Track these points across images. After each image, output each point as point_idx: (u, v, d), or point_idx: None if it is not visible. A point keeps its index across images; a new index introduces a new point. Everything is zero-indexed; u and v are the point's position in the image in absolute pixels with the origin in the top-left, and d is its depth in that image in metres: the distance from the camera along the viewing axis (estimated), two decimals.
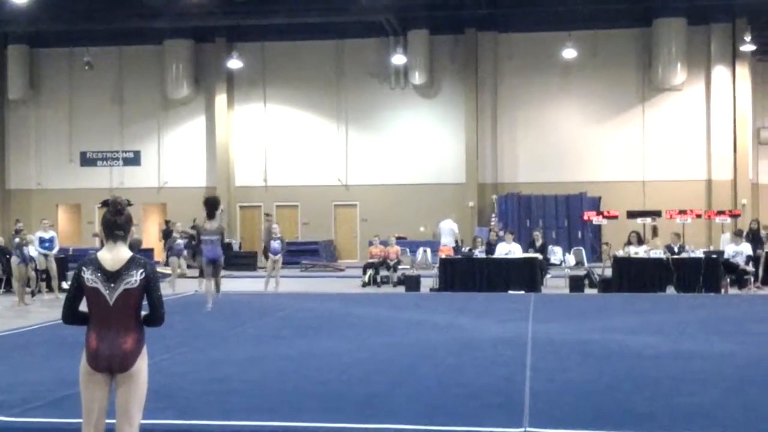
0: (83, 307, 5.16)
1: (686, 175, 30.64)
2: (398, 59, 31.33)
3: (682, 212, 23.18)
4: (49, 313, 15.33)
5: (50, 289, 19.31)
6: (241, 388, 8.33)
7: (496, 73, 31.89)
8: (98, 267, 5.06)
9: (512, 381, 8.49)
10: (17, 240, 18.27)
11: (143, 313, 5.18)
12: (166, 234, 26.17)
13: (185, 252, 22.28)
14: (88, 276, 5.05)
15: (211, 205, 15.80)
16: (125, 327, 5.06)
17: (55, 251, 19.52)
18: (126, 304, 5.05)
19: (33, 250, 18.74)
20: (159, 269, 23.70)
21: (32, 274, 18.78)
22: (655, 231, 21.74)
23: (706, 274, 18.93)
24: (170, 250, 21.87)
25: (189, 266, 23.54)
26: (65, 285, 19.86)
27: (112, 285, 5.03)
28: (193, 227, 20.25)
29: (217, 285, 15.99)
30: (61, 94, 34.10)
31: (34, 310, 16.93)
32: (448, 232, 25.83)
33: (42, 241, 19.17)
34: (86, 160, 34.15)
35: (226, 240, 28.54)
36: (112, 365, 5.05)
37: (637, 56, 31.23)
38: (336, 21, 30.75)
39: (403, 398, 7.78)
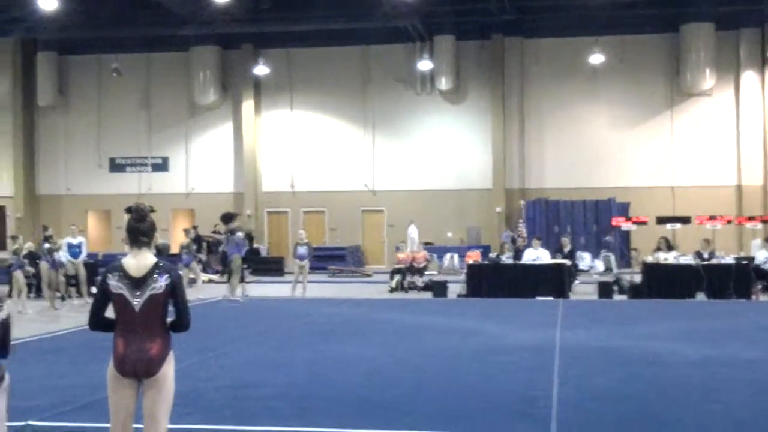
0: (110, 313, 5.19)
1: (716, 181, 30.35)
2: (424, 65, 31.31)
3: (712, 218, 22.93)
4: (78, 318, 15.42)
5: (80, 294, 19.48)
6: (267, 393, 8.35)
7: (523, 79, 31.78)
8: (124, 273, 5.09)
9: (539, 388, 8.44)
10: (47, 245, 18.46)
11: (169, 318, 5.21)
12: (197, 240, 26.16)
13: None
14: (114, 282, 5.08)
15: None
16: (151, 332, 5.08)
17: (83, 257, 19.69)
18: (152, 310, 5.07)
19: (63, 256, 18.92)
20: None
21: (62, 279, 18.95)
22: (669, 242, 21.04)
23: (737, 280, 18.73)
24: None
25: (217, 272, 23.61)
26: (94, 290, 20.04)
27: (138, 291, 5.06)
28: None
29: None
30: (89, 101, 34.40)
31: (64, 314, 17.08)
32: (412, 238, 26.29)
33: (70, 246, 19.35)
34: (115, 166, 34.42)
35: (255, 245, 28.82)
36: (139, 370, 5.07)
37: (665, 61, 31.00)
38: (361, 27, 30.78)
39: (428, 404, 7.76)
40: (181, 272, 16.31)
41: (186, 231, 22.31)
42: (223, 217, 19.44)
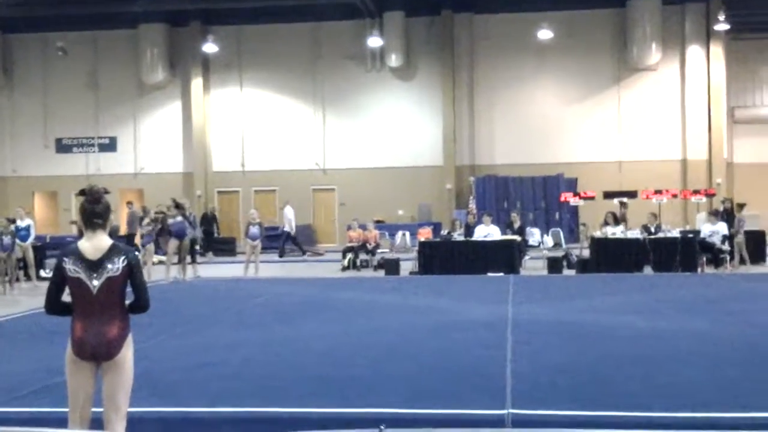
0: (66, 297, 5.17)
1: (662, 155, 30.86)
2: (374, 41, 31.27)
3: (658, 192, 23.35)
4: (28, 302, 15.26)
5: (28, 277, 19.21)
6: (224, 373, 8.35)
7: (473, 55, 31.92)
8: (79, 256, 5.07)
9: (494, 363, 8.55)
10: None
11: (128, 301, 5.20)
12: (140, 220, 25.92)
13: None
14: (70, 266, 5.06)
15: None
16: (110, 315, 5.08)
17: (31, 239, 19.41)
18: (109, 293, 5.06)
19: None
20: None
21: (12, 261, 18.64)
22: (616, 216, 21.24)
23: (683, 253, 19.13)
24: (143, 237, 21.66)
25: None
26: (43, 273, 19.78)
27: (95, 274, 5.04)
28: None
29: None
30: (35, 81, 33.79)
31: (13, 299, 16.85)
32: (289, 219, 26.81)
33: (18, 229, 19.03)
34: (62, 147, 33.91)
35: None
36: (98, 353, 5.07)
37: (612, 37, 31.36)
38: (311, 3, 30.64)
39: (385, 382, 7.83)
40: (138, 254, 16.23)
41: (145, 211, 22.04)
42: (177, 204, 19.46)
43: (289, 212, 27.82)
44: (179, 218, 19.09)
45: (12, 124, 34.04)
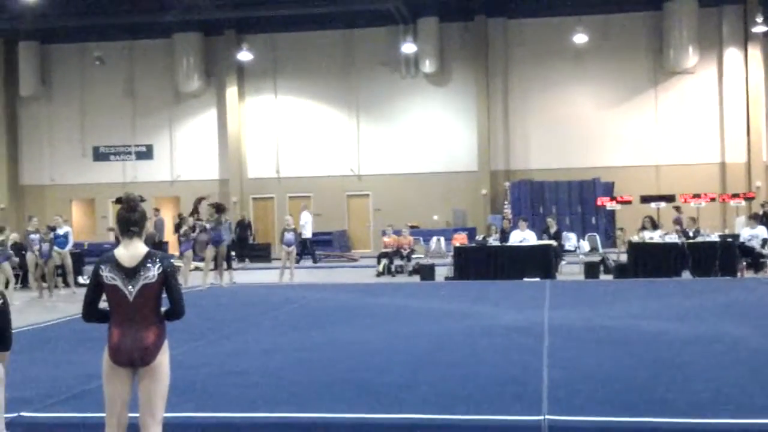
0: (103, 304, 5.21)
1: (700, 159, 30.49)
2: (408, 48, 31.25)
3: (696, 196, 23.08)
4: (66, 308, 15.42)
5: (66, 284, 19.44)
6: (259, 380, 8.37)
7: (507, 60, 31.79)
8: (116, 264, 5.12)
9: (529, 369, 8.49)
10: (37, 236, 18.40)
11: (163, 308, 5.23)
12: (177, 227, 26.15)
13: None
14: (107, 274, 5.10)
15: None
16: (146, 322, 5.11)
17: (69, 246, 19.65)
18: (146, 299, 5.10)
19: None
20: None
21: (50, 269, 18.88)
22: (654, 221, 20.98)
23: (722, 257, 18.87)
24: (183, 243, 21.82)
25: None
26: (81, 279, 19.99)
27: (131, 281, 5.08)
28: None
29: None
30: (72, 90, 34.20)
31: (52, 305, 17.04)
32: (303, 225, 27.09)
33: (56, 236, 19.27)
34: (99, 155, 34.26)
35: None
36: (134, 360, 5.10)
37: (648, 40, 31.06)
38: (345, 10, 30.69)
39: (420, 388, 7.79)
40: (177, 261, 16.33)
41: (182, 219, 22.22)
42: (218, 207, 19.58)
43: (305, 217, 27.93)
44: (215, 224, 19.21)
45: (50, 133, 34.46)
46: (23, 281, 19.84)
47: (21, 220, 31.15)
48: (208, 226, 19.20)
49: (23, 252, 19.18)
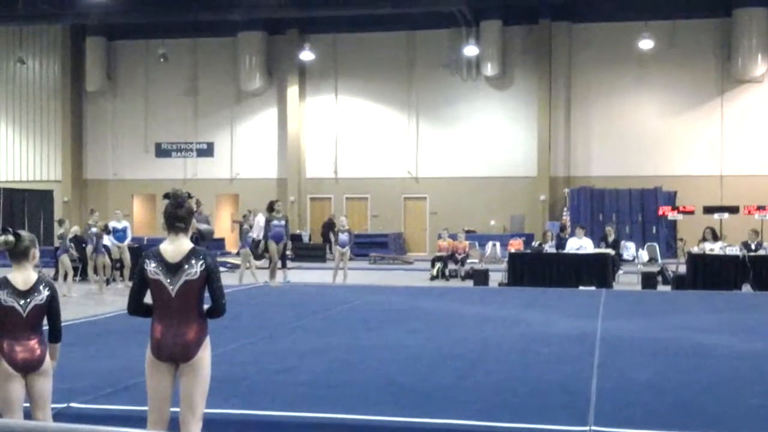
0: (148, 298, 5.24)
1: (765, 170, 29.78)
2: (470, 50, 31.12)
3: (761, 208, 22.54)
4: (122, 302, 15.62)
5: (124, 278, 19.73)
6: (306, 379, 8.37)
7: (570, 64, 31.45)
8: (160, 259, 5.14)
9: (578, 379, 8.35)
10: (94, 230, 18.71)
11: (206, 306, 5.24)
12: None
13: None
14: (151, 268, 5.14)
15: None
16: (187, 318, 5.12)
17: (128, 241, 19.93)
18: (187, 296, 5.10)
19: (107, 240, 19.18)
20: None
21: (107, 262, 19.19)
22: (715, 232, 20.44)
23: None
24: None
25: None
26: None
27: (174, 277, 5.10)
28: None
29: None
30: (137, 86, 34.78)
31: (109, 298, 17.31)
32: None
33: (115, 230, 19.57)
34: (161, 151, 34.78)
35: (297, 231, 29.15)
36: (175, 355, 5.12)
37: (716, 47, 30.46)
38: (407, 12, 30.68)
39: (467, 393, 7.72)
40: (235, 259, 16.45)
41: (245, 217, 22.38)
42: (270, 205, 19.79)
43: (258, 219, 27.44)
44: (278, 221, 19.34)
45: (114, 128, 35.10)
46: (82, 274, 20.17)
47: (83, 214, 31.77)
48: (273, 222, 19.29)
49: (83, 245, 19.50)
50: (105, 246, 18.97)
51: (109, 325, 12.89)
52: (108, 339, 11.41)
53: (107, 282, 19.39)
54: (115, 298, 16.99)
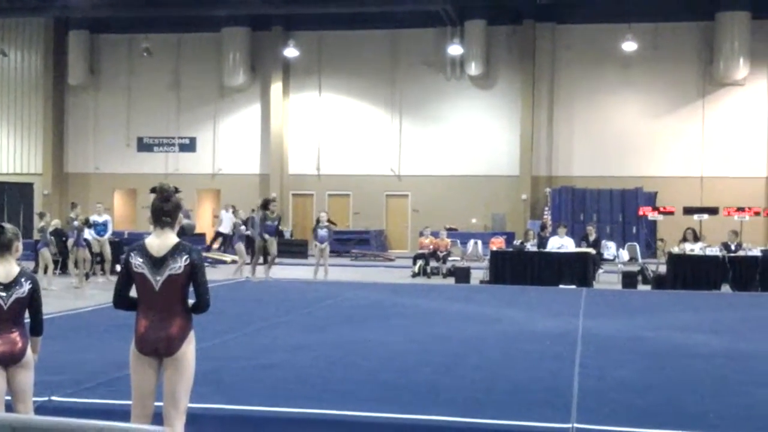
0: (133, 292, 5.23)
1: (745, 172, 30.02)
2: (454, 50, 31.17)
3: (740, 209, 22.72)
4: (102, 296, 15.55)
5: (104, 272, 19.64)
6: (288, 375, 8.37)
7: (554, 65, 31.56)
8: (145, 253, 5.14)
9: (560, 376, 8.39)
10: (76, 223, 18.60)
11: (191, 300, 5.23)
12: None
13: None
14: (136, 262, 5.13)
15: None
16: (171, 312, 5.12)
17: (108, 235, 19.82)
18: (171, 290, 5.10)
19: (87, 234, 19.07)
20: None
21: (87, 256, 19.07)
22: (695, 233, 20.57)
23: (764, 272, 18.54)
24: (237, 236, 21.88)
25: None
26: (119, 268, 20.17)
27: (158, 271, 5.09)
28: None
29: None
30: (120, 80, 34.59)
31: (89, 292, 17.22)
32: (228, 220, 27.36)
33: (96, 224, 19.46)
34: (143, 146, 34.62)
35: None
36: (159, 349, 5.11)
37: (698, 50, 30.64)
38: (392, 10, 30.68)
39: (449, 390, 7.74)
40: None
41: (234, 211, 22.51)
42: (264, 203, 20.00)
43: (225, 216, 28.53)
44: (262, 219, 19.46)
45: (96, 122, 34.88)
46: (63, 267, 20.05)
47: (64, 207, 31.58)
48: (267, 222, 19.38)
49: (64, 239, 19.39)
50: (86, 240, 18.85)
51: (90, 319, 12.84)
52: (89, 333, 11.37)
53: (87, 276, 19.27)
54: (94, 292, 16.92)
